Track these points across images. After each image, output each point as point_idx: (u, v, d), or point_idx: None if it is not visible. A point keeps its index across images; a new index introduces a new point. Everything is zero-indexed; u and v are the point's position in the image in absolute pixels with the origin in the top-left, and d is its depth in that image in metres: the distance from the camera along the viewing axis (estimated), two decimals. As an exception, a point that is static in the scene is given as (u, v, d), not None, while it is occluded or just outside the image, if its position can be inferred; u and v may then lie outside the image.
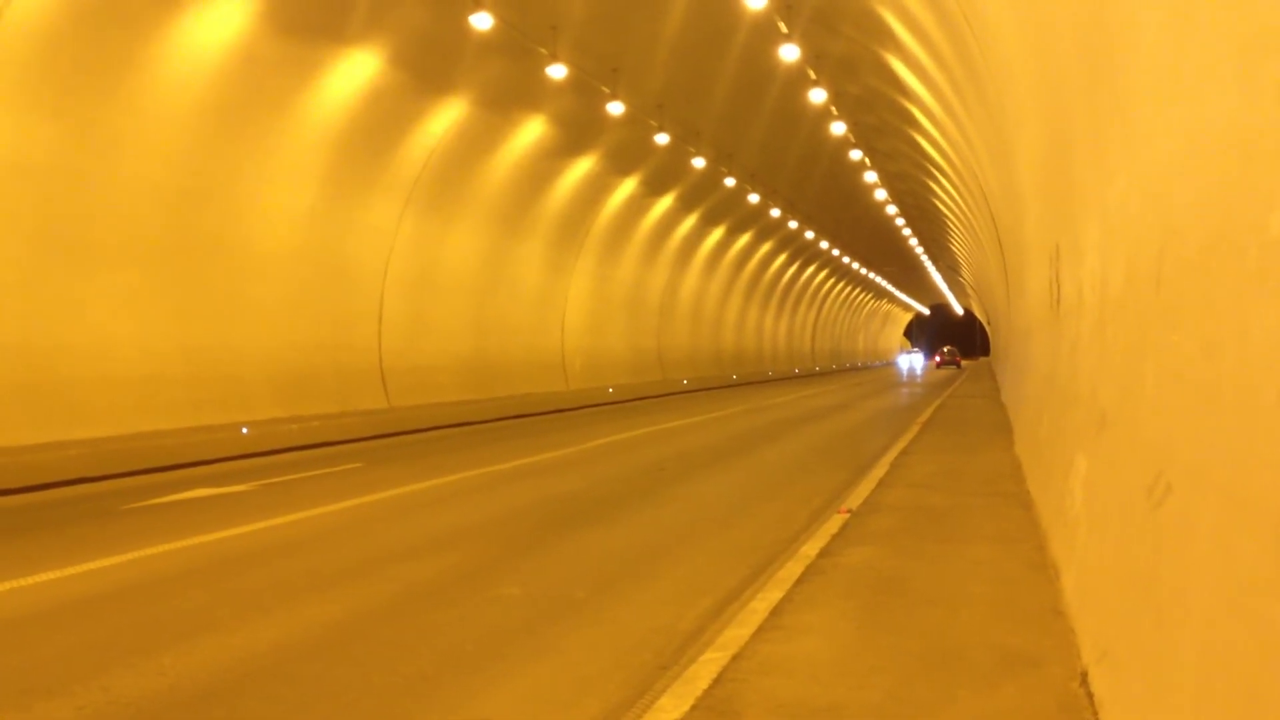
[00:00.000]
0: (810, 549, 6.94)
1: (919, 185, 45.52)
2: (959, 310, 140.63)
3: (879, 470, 11.78)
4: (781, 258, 63.94)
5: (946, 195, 40.74)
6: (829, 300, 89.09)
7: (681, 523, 10.58)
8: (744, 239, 54.81)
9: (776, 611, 5.23)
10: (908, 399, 36.03)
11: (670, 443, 19.95)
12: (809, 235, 57.55)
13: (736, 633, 4.94)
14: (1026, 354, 14.06)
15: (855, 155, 39.00)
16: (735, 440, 20.89)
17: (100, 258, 18.85)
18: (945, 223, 53.66)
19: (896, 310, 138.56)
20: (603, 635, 6.38)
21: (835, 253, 68.25)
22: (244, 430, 19.61)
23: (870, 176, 43.39)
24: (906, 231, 62.80)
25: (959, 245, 59.12)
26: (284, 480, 14.73)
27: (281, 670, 5.82)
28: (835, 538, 7.32)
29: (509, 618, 6.81)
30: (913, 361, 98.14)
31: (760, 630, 4.92)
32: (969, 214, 35.74)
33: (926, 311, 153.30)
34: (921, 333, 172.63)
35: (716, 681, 4.19)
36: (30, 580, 8.10)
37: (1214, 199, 2.97)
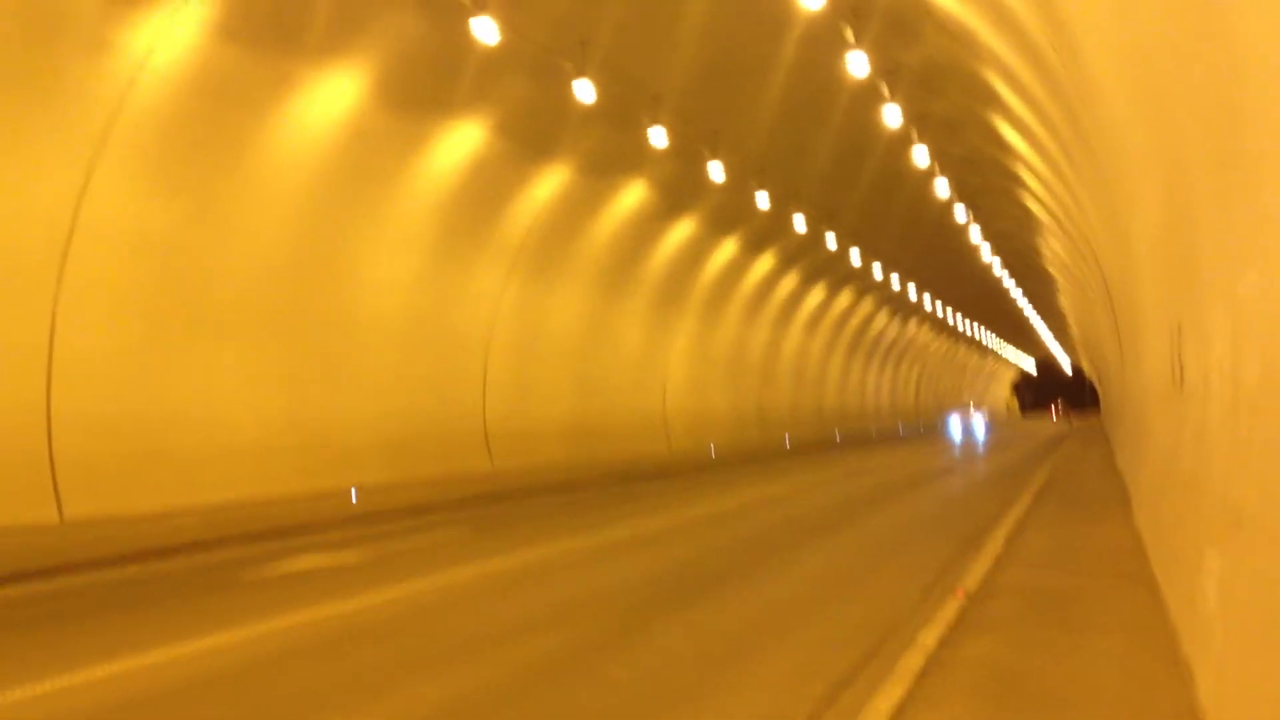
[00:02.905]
0: (928, 637, 6.77)
1: (1025, 244, 44.90)
2: (1067, 367, 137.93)
3: (993, 546, 11.50)
4: (883, 315, 63.43)
5: (1053, 254, 40.08)
6: (931, 356, 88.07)
7: (788, 601, 10.42)
8: (845, 297, 54.51)
9: (899, 713, 5.10)
10: (1015, 463, 35.29)
11: (773, 512, 19.75)
12: (912, 293, 56.99)
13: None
14: (1143, 425, 13.70)
15: (960, 215, 38.62)
16: (837, 510, 20.61)
17: (214, 329, 19.38)
18: (1053, 280, 52.74)
19: (1001, 368, 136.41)
20: (715, 726, 6.29)
21: (938, 310, 67.49)
22: (353, 498, 19.88)
23: (975, 235, 42.91)
24: (1012, 288, 61.89)
25: (1067, 301, 58.02)
26: (391, 550, 14.88)
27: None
28: (954, 627, 7.13)
29: (619, 703, 6.74)
30: (970, 424, 73.17)
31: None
32: (1077, 272, 35.09)
33: (1033, 369, 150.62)
34: (1029, 389, 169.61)
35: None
36: (138, 662, 8.23)
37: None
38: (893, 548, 14.03)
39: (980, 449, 45.90)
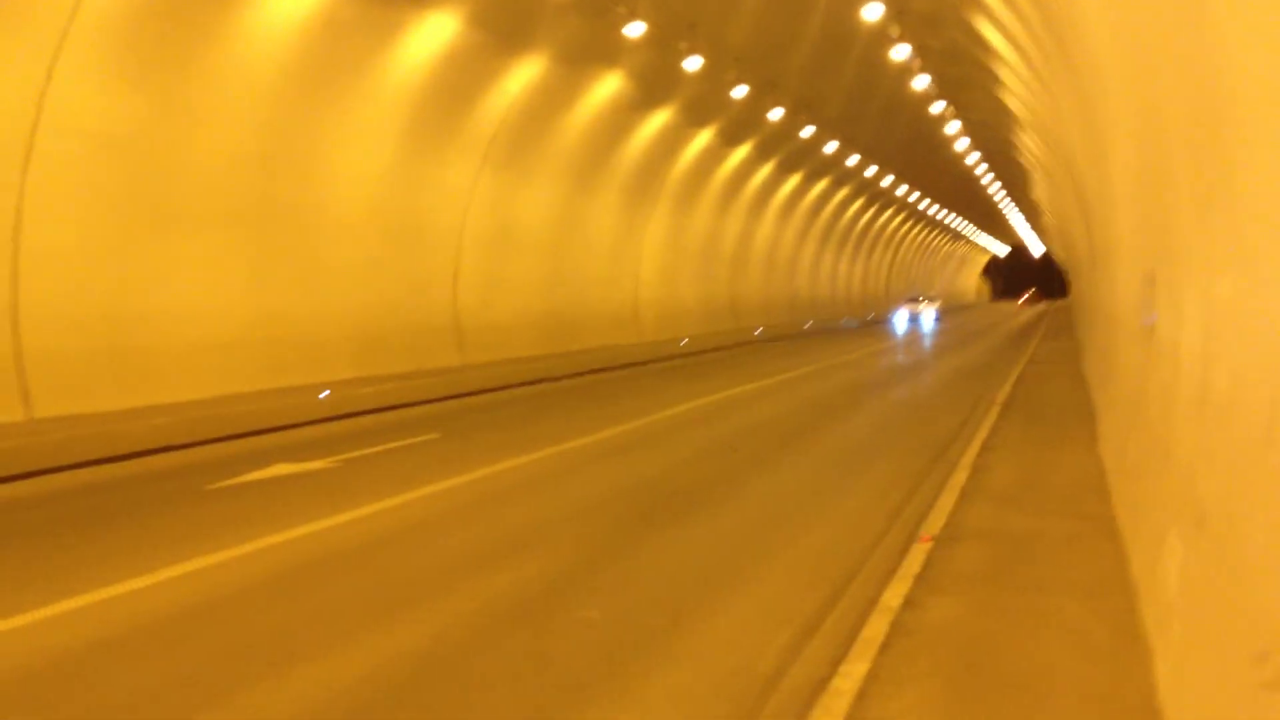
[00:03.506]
0: (893, 596, 6.88)
1: (1001, 137, 44.69)
2: (1037, 253, 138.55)
3: (959, 475, 11.65)
4: (858, 203, 63.31)
5: (1029, 149, 39.91)
6: (904, 244, 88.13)
7: (757, 524, 10.57)
8: (820, 186, 54.27)
9: (862, 695, 5.20)
10: (982, 359, 35.60)
11: (741, 414, 19.91)
12: (886, 181, 56.80)
13: (822, 724, 4.92)
14: (1112, 344, 13.77)
15: (937, 107, 38.33)
16: (807, 411, 20.81)
17: (182, 225, 19.17)
18: (1027, 172, 52.61)
19: (974, 253, 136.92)
20: (682, 680, 6.40)
21: (913, 198, 67.43)
22: (322, 395, 19.86)
23: (951, 127, 42.66)
24: (986, 178, 61.80)
25: (1041, 193, 57.97)
26: (361, 455, 14.91)
27: (373, 715, 5.90)
28: (918, 580, 7.25)
29: (591, 651, 6.85)
30: (921, 316, 66.76)
31: (846, 722, 4.90)
32: (1052, 171, 34.99)
33: (1004, 253, 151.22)
34: (999, 275, 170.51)
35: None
36: (106, 593, 8.23)
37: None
38: (861, 460, 14.20)
39: (927, 343, 46.20)
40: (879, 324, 65.34)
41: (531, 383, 25.78)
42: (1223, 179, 4.66)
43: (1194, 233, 5.51)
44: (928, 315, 65.94)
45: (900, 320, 64.57)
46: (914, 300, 70.41)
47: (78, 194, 17.23)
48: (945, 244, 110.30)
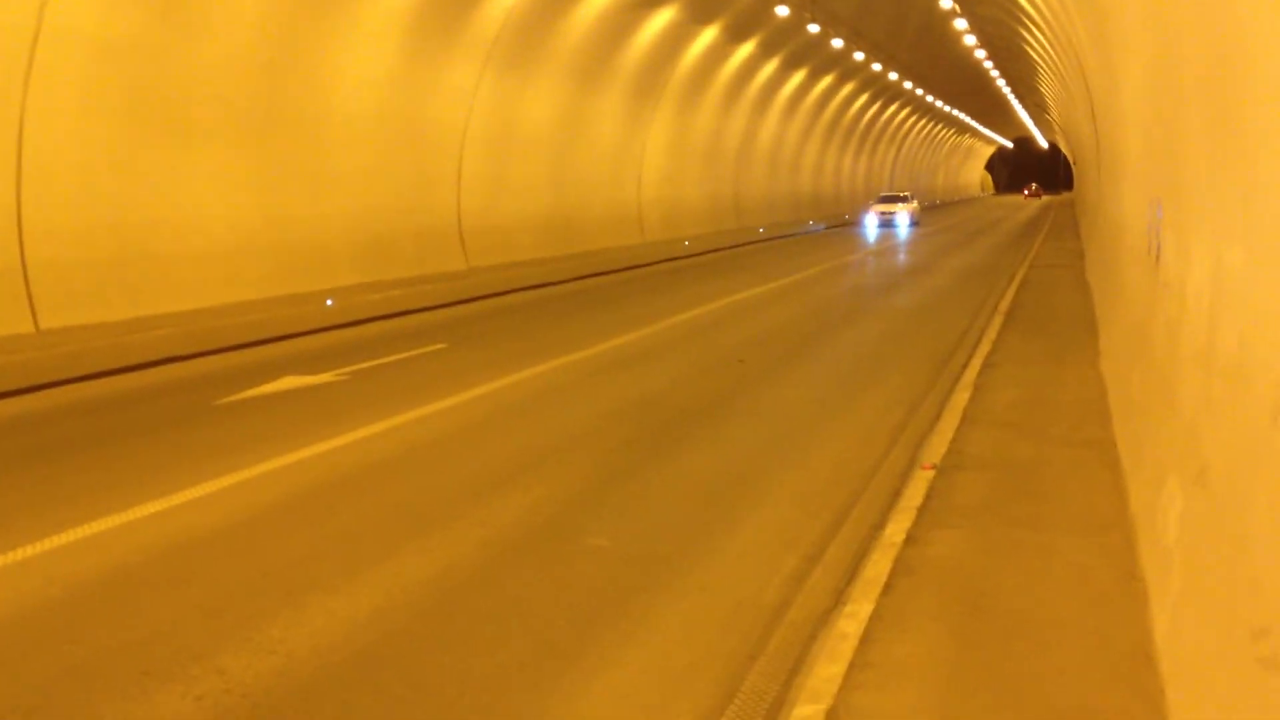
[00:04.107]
0: (896, 531, 7.01)
1: (1010, 31, 43.98)
2: (1043, 144, 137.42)
3: (961, 395, 11.74)
4: (862, 98, 62.54)
5: (1038, 46, 39.36)
6: (909, 138, 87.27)
7: (762, 444, 10.72)
8: (825, 81, 53.56)
9: (866, 639, 5.34)
10: (985, 259, 35.53)
11: (746, 323, 19.98)
12: (892, 76, 56.03)
13: (828, 670, 5.06)
14: (1117, 261, 13.75)
15: (947, 2, 37.75)
16: (811, 318, 20.87)
17: (187, 133, 19.04)
18: (1035, 67, 51.96)
19: (979, 144, 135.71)
20: (691, 610, 6.56)
21: (919, 92, 66.50)
22: (328, 302, 19.91)
23: (961, 23, 42.02)
24: (994, 73, 61.01)
25: (1047, 89, 57.33)
26: (369, 367, 15.00)
27: (387, 648, 6.05)
28: (921, 513, 7.37)
29: (600, 581, 7.00)
30: (896, 219, 56.19)
31: (851, 669, 5.03)
32: (1060, 69, 34.56)
33: (1010, 145, 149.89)
34: (1004, 167, 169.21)
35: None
36: (121, 518, 8.36)
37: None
38: (866, 373, 14.30)
39: (927, 242, 45.99)
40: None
41: (536, 287, 25.79)
42: (1234, 130, 4.63)
43: (1204, 175, 5.49)
44: (902, 218, 56.30)
45: (870, 224, 55.77)
46: (887, 200, 59.69)
47: (81, 104, 17.08)
48: (950, 136, 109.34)
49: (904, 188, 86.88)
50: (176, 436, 11.25)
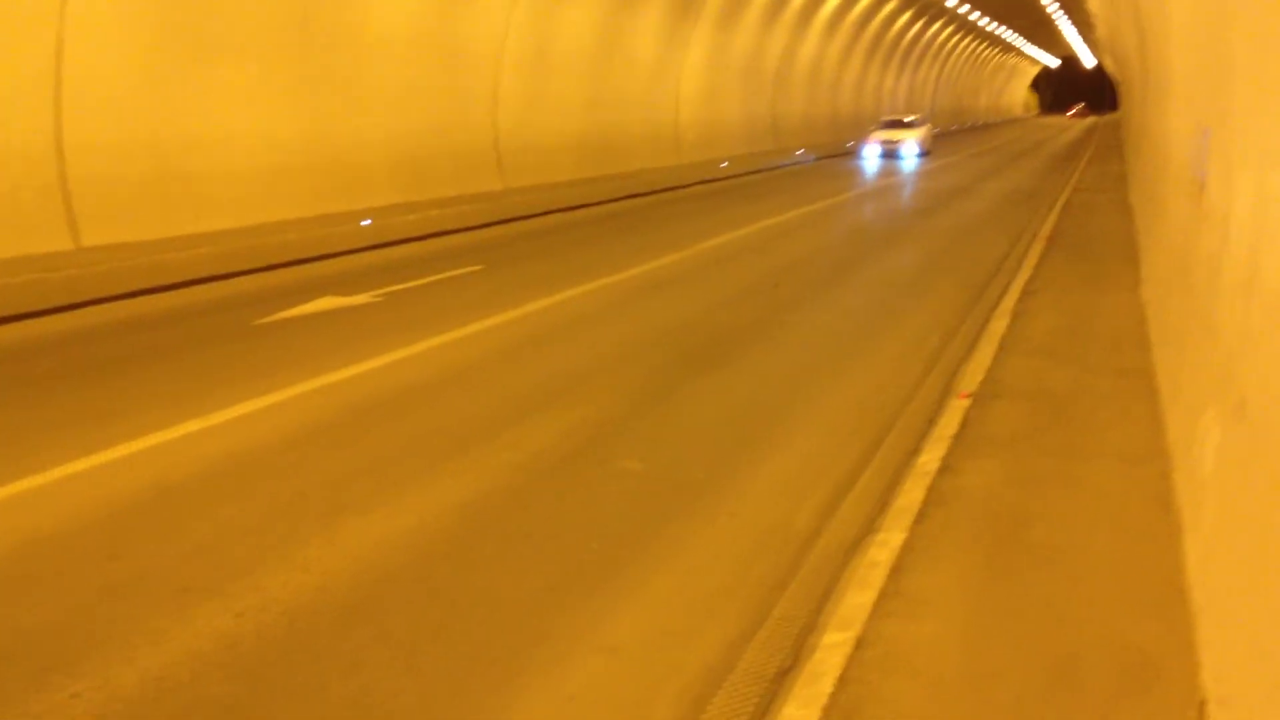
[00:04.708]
0: (930, 460, 7.00)
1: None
2: (1089, 64, 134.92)
3: (999, 322, 11.64)
4: (905, 16, 61.47)
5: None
6: (952, 57, 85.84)
7: (797, 369, 10.71)
8: None
9: (897, 569, 5.35)
10: (1027, 182, 35.05)
11: (783, 246, 19.86)
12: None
13: (858, 599, 5.08)
14: (1161, 191, 13.52)
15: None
16: (848, 242, 20.73)
17: (221, 50, 18.98)
18: (1082, -17, 50.79)
19: (1023, 64, 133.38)
20: (721, 536, 6.60)
21: (962, 9, 65.30)
22: (364, 223, 19.91)
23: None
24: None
25: (1094, 6, 56.05)
26: (405, 289, 15.04)
27: (420, 569, 6.13)
28: (956, 441, 7.35)
29: (631, 505, 7.05)
30: (901, 149, 46.66)
31: (881, 597, 5.06)
32: (1109, -14, 33.73)
33: (1055, 65, 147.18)
34: (1049, 87, 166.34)
35: (840, 683, 4.37)
36: (159, 438, 8.48)
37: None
38: (901, 299, 14.21)
39: (970, 165, 45.30)
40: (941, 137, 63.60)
41: (572, 208, 25.68)
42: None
43: (1253, 99, 5.37)
44: (909, 148, 46.57)
45: (871, 153, 46.72)
46: (890, 126, 49.89)
47: (118, 22, 17.04)
48: (995, 56, 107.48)
49: (945, 109, 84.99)
50: (214, 356, 11.35)
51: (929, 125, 52.88)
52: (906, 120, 50.67)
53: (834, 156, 48.27)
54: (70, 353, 11.70)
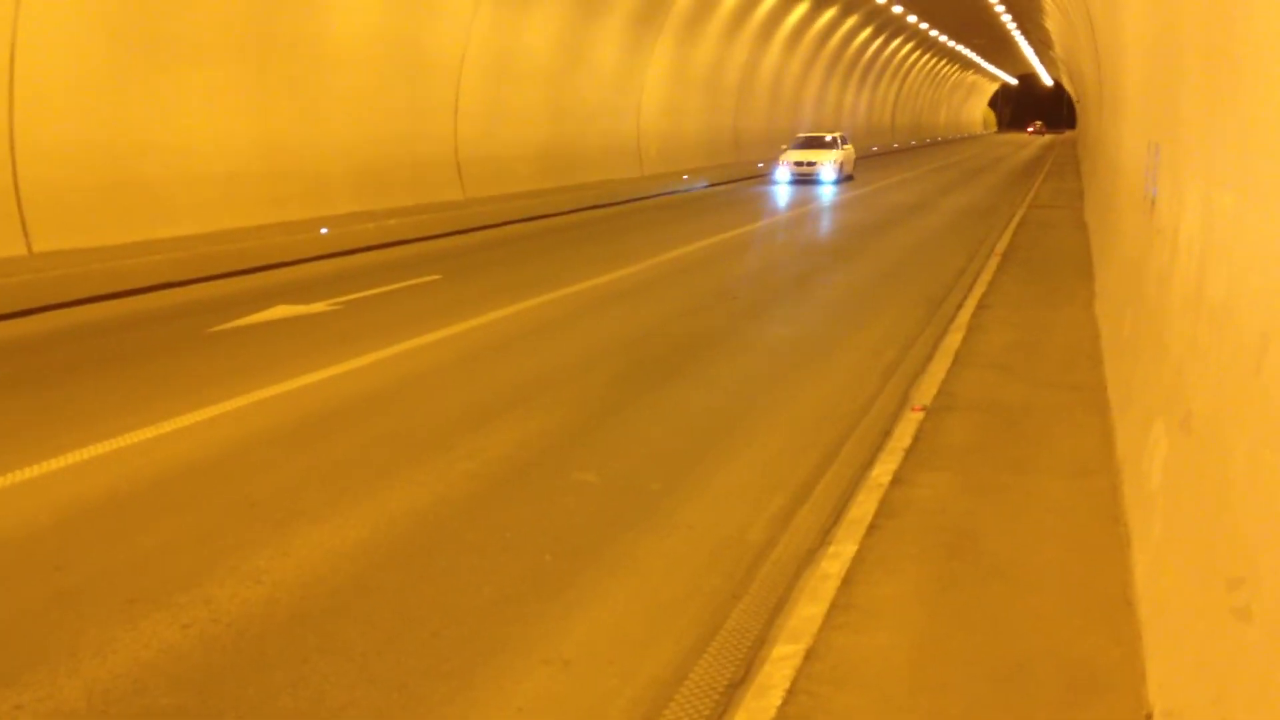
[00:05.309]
0: (883, 472, 7.03)
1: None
2: (1048, 81, 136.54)
3: (954, 337, 11.73)
4: (866, 32, 61.91)
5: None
6: (912, 74, 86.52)
7: (754, 381, 10.72)
8: (829, 14, 53.02)
9: (848, 581, 5.37)
10: (985, 199, 35.35)
11: (741, 259, 19.96)
12: (896, 9, 55.48)
13: (809, 610, 5.09)
14: (1115, 206, 13.69)
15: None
16: (807, 256, 20.83)
17: (180, 56, 18.83)
18: (1040, 2, 51.38)
19: (982, 81, 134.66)
20: (675, 547, 6.59)
21: (923, 26, 65.88)
22: (323, 230, 19.80)
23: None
24: (999, 8, 60.34)
25: (1052, 25, 56.73)
26: (363, 297, 14.97)
27: (373, 580, 6.08)
28: (909, 454, 7.39)
29: (587, 517, 7.03)
30: (819, 171, 38.64)
31: (832, 609, 5.07)
32: (1065, 3, 34.18)
33: (1014, 82, 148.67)
34: (1008, 104, 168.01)
35: (789, 695, 4.37)
36: (110, 445, 8.37)
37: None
38: (857, 312, 14.27)
39: (930, 183, 45.65)
40: (877, 156, 64.10)
41: (533, 219, 25.66)
42: (1230, 71, 4.59)
43: (1201, 117, 5.45)
44: (827, 171, 38.79)
45: (782, 174, 39.51)
46: (806, 144, 41.61)
47: (74, 25, 16.85)
48: (954, 73, 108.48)
49: (905, 125, 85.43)
50: (169, 364, 11.24)
51: (851, 145, 43.92)
52: (827, 139, 41.97)
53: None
54: (22, 360, 11.55)
